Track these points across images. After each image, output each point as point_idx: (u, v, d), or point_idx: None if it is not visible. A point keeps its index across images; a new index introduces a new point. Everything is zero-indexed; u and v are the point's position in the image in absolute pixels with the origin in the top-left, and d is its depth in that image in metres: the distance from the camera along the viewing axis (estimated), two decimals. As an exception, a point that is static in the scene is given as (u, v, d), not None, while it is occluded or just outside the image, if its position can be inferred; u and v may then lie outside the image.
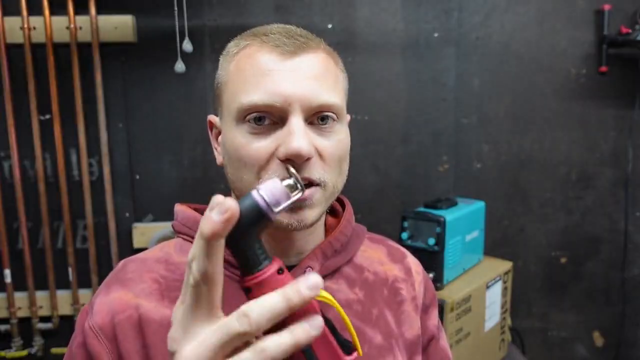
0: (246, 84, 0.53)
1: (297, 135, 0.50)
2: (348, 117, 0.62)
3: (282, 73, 0.52)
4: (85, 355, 0.53)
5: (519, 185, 1.61)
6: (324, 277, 0.59)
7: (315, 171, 0.52)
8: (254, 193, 0.37)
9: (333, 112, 0.54)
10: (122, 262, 0.60)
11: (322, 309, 0.38)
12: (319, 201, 0.54)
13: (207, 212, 0.33)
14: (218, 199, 0.33)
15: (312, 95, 0.52)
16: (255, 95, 0.52)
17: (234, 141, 0.54)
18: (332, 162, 0.54)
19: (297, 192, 0.41)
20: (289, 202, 0.37)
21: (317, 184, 0.53)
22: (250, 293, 0.37)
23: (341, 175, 0.57)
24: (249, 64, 0.54)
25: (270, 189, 0.37)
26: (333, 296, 0.58)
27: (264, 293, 0.35)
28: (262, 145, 0.52)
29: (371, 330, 0.59)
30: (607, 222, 1.64)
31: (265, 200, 0.36)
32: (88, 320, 0.54)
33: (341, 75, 0.59)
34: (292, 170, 0.43)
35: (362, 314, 0.60)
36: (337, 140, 0.55)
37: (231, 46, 0.58)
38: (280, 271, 0.37)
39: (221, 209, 0.33)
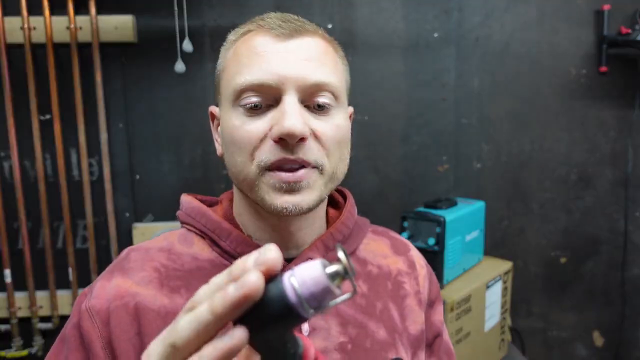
0: (241, 66, 0.53)
1: (290, 114, 0.49)
2: (351, 110, 0.61)
3: (277, 54, 0.52)
4: (78, 335, 0.53)
5: (519, 185, 1.61)
6: None
7: (310, 153, 0.51)
8: (285, 279, 0.28)
9: (330, 93, 0.53)
10: (126, 250, 0.60)
11: None
12: (316, 184, 0.52)
13: (224, 278, 0.29)
14: (239, 264, 0.29)
15: (307, 74, 0.51)
16: (249, 75, 0.51)
17: (230, 124, 0.53)
18: (331, 145, 0.53)
19: (346, 294, 0.29)
20: (330, 302, 0.28)
21: (314, 167, 0.52)
22: None
23: (342, 161, 0.56)
24: (245, 48, 0.54)
25: (306, 280, 0.28)
26: None
27: None
28: (256, 127, 0.51)
29: (375, 325, 0.58)
30: (607, 222, 1.64)
31: (297, 295, 0.27)
32: (85, 302, 0.54)
33: (341, 62, 0.58)
34: (342, 254, 0.29)
35: (366, 307, 0.59)
36: (335, 124, 0.54)
37: (231, 35, 0.58)
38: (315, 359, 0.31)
39: (241, 284, 0.27)
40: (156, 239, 0.61)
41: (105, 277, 0.56)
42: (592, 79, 1.56)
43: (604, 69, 1.52)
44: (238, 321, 0.29)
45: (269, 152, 0.50)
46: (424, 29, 1.51)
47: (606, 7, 1.50)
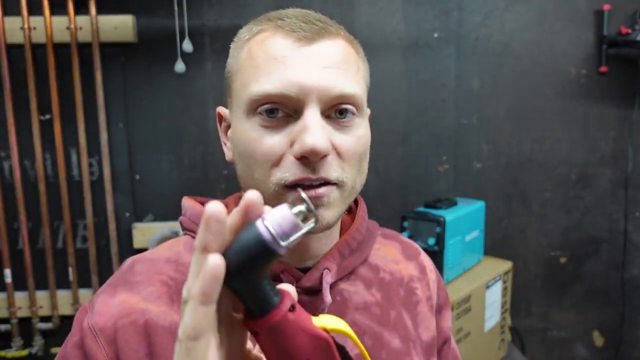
0: (258, 72, 0.48)
1: (313, 131, 0.46)
2: (368, 111, 0.59)
3: (298, 60, 0.48)
4: (80, 355, 0.49)
5: (519, 185, 1.61)
6: (341, 278, 0.57)
7: (332, 170, 0.48)
8: (258, 223, 0.32)
9: (353, 104, 0.50)
10: (129, 261, 0.56)
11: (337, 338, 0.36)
12: (336, 201, 0.50)
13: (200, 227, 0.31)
14: (211, 206, 0.31)
15: (330, 85, 0.48)
16: (268, 84, 0.47)
17: (245, 135, 0.50)
18: (351, 160, 0.50)
19: (310, 222, 0.34)
20: (299, 233, 0.32)
21: (335, 184, 0.49)
22: (258, 336, 0.34)
23: (360, 174, 0.54)
24: (262, 51, 0.49)
25: (277, 220, 0.32)
26: (350, 299, 0.57)
27: (275, 337, 0.33)
28: (275, 141, 0.48)
29: (389, 334, 0.57)
30: (607, 222, 1.64)
31: (271, 233, 0.31)
32: (87, 319, 0.50)
33: (362, 65, 0.55)
34: (304, 195, 0.35)
35: (381, 317, 0.57)
36: (356, 136, 0.51)
37: (243, 32, 0.54)
38: (291, 308, 0.34)
39: (209, 217, 0.30)
40: (160, 248, 0.57)
41: (108, 292, 0.52)
42: (592, 79, 1.56)
43: (604, 69, 1.52)
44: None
45: (289, 171, 0.48)
46: (424, 29, 1.51)
47: (606, 7, 1.50)
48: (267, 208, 0.33)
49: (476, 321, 1.22)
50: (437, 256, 1.17)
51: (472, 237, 1.30)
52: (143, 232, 1.48)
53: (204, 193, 1.51)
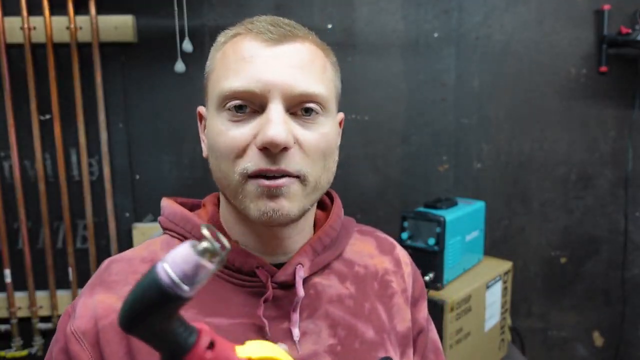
0: (228, 71, 0.52)
1: (274, 123, 0.48)
2: (340, 116, 0.61)
3: (264, 59, 0.51)
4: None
5: (519, 185, 1.61)
6: (315, 273, 0.58)
7: (293, 162, 0.50)
8: (158, 267, 0.29)
9: (317, 103, 0.52)
10: (106, 261, 0.57)
11: None
12: (296, 194, 0.51)
13: None
14: None
15: (294, 83, 0.50)
16: (236, 82, 0.51)
17: (215, 129, 0.53)
18: (314, 155, 0.52)
19: (216, 258, 0.30)
20: (205, 274, 0.30)
21: (296, 177, 0.51)
22: None
23: (326, 171, 0.55)
24: (233, 51, 0.53)
25: (176, 260, 0.29)
26: (324, 292, 0.58)
27: None
28: (240, 133, 0.51)
29: (363, 325, 0.59)
30: (607, 222, 1.64)
31: (170, 277, 0.29)
32: (70, 323, 0.52)
33: (331, 67, 0.57)
34: (206, 232, 0.31)
35: (354, 308, 0.59)
36: (320, 133, 0.53)
37: (220, 36, 0.58)
38: (210, 346, 0.32)
39: None
40: (138, 248, 0.59)
41: (87, 294, 0.54)
42: (592, 79, 1.56)
43: (604, 69, 1.52)
44: (122, 320, 0.30)
45: (251, 161, 0.50)
46: (424, 29, 1.51)
47: (606, 7, 1.50)
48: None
49: (476, 321, 1.22)
50: (437, 256, 1.17)
51: (472, 237, 1.30)
52: (143, 232, 1.48)
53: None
